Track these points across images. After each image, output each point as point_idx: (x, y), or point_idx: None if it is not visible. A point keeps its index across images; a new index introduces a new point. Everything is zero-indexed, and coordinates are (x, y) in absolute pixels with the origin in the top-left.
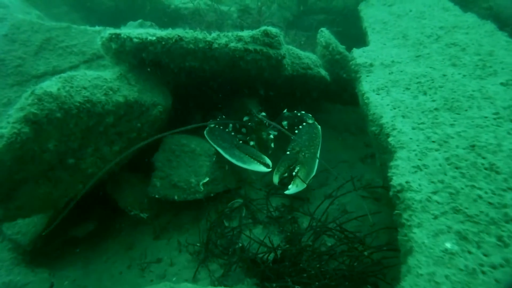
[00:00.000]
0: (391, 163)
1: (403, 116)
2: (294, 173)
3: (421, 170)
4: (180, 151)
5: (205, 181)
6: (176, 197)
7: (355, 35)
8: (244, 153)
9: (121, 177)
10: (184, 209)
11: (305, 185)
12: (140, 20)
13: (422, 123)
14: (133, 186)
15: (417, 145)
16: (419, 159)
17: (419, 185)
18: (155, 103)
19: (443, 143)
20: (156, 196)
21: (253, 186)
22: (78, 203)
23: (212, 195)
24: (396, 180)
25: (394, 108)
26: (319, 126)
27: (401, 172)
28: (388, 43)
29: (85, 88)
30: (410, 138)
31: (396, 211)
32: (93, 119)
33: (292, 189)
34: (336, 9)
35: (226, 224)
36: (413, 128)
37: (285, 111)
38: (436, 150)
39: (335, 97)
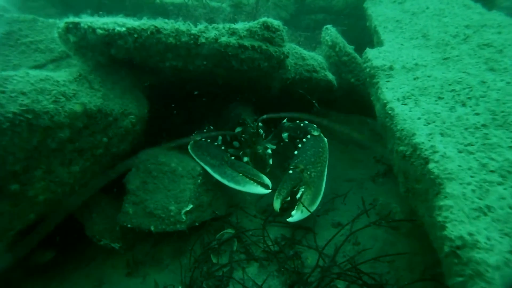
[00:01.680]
0: (440, 202)
1: (441, 134)
2: (298, 196)
3: (485, 214)
4: (158, 171)
5: (188, 209)
6: (152, 228)
7: (356, 37)
8: (237, 171)
9: (90, 198)
10: (164, 239)
11: (312, 210)
12: (121, 15)
13: (470, 144)
14: (103, 210)
15: (471, 177)
16: (479, 198)
17: (488, 239)
18: (125, 112)
19: (507, 174)
20: (128, 225)
21: (246, 212)
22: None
23: (197, 224)
24: (452, 230)
25: (428, 123)
26: (326, 139)
27: (457, 217)
28: (406, 44)
29: (24, 93)
30: (459, 166)
31: (458, 279)
32: (38, 134)
33: (296, 215)
34: (336, 7)
35: (214, 260)
36: (460, 151)
37: (285, 121)
38: (500, 184)
39: (339, 104)
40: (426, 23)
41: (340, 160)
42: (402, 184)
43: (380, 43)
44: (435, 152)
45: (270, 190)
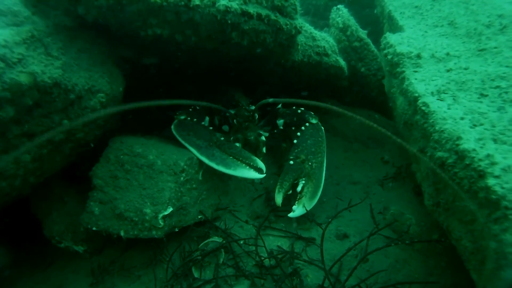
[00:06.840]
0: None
1: (494, 140)
2: (298, 189)
3: None
4: (132, 164)
5: (166, 212)
6: (122, 233)
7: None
8: (227, 153)
9: (50, 191)
10: (136, 244)
11: (313, 204)
12: None
13: None
14: (64, 206)
15: None
16: None
17: None
18: (93, 89)
19: None
20: (94, 228)
21: (236, 216)
22: None
23: (176, 230)
24: None
25: (475, 125)
26: (323, 128)
27: None
28: (430, 31)
29: None
30: None
31: None
32: None
33: (298, 210)
34: None
35: (196, 274)
36: None
37: (279, 106)
38: None
39: (343, 95)
40: (451, 10)
41: (343, 159)
42: (429, 196)
43: (397, 30)
44: (493, 163)
45: (264, 175)
